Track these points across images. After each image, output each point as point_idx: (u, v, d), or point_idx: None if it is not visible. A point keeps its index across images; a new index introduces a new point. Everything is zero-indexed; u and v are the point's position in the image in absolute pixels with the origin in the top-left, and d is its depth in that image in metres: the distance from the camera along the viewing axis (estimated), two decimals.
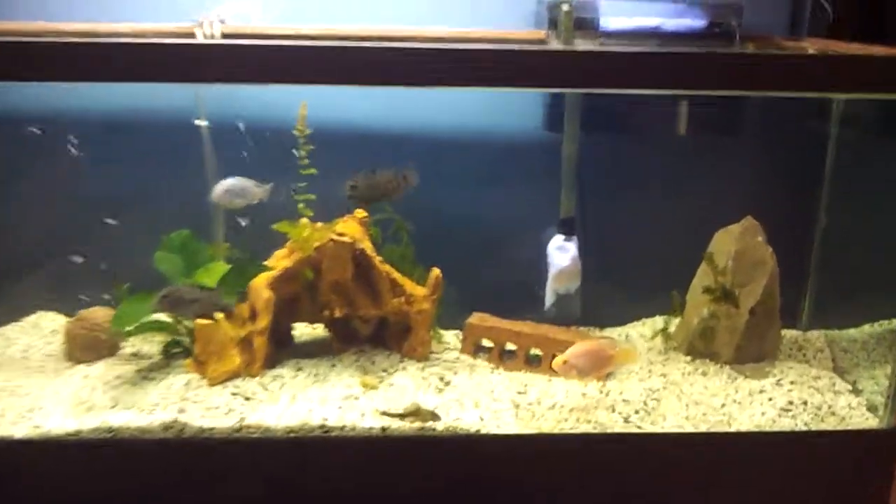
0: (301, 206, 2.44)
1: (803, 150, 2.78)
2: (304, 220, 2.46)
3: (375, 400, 2.32)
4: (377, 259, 2.48)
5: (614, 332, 2.85)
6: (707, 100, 2.67)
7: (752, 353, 2.57)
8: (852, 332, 2.84)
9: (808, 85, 1.97)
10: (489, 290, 2.76)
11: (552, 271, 2.55)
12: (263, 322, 2.42)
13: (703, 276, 2.64)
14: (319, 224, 2.48)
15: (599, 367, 2.30)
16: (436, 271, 2.53)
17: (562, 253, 2.55)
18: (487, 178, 2.77)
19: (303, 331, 2.74)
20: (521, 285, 2.75)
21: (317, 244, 2.43)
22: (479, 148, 2.73)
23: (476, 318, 2.65)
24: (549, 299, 2.73)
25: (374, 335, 2.60)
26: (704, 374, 2.53)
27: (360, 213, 2.52)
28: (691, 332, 2.61)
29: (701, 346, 2.59)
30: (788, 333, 2.80)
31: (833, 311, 2.84)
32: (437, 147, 2.70)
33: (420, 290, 2.53)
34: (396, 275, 2.51)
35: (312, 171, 2.38)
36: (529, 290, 2.75)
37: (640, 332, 2.83)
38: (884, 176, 2.72)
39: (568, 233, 2.58)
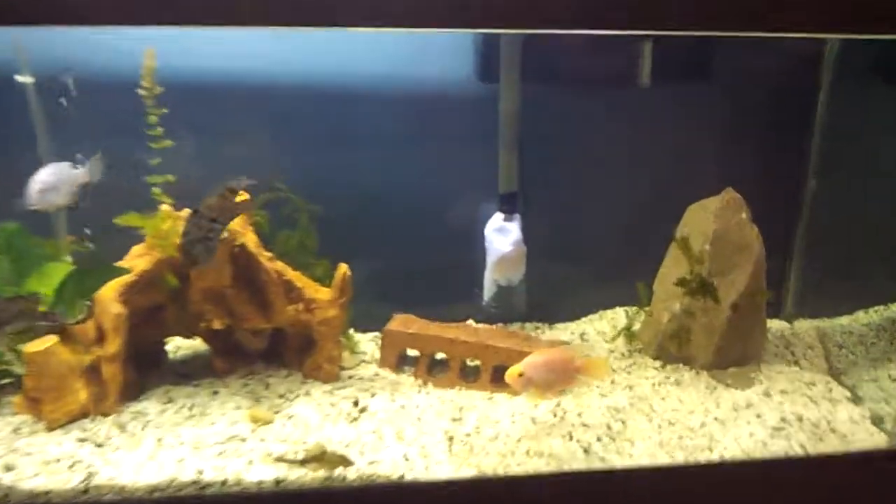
0: (156, 190, 1.83)
1: (789, 102, 2.29)
2: (164, 209, 1.86)
3: (269, 439, 1.79)
4: (265, 256, 1.92)
5: (567, 330, 2.37)
6: (674, 41, 2.15)
7: (733, 355, 2.12)
8: (845, 320, 2.43)
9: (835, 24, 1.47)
10: (413, 284, 2.25)
11: (491, 258, 2.14)
12: (114, 345, 1.84)
13: (673, 263, 2.17)
14: (185, 212, 1.88)
15: (562, 381, 1.80)
16: (343, 268, 1.98)
17: (502, 235, 2.13)
18: (407, 142, 2.21)
19: (181, 343, 2.16)
20: (452, 277, 2.25)
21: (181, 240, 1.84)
22: (396, 102, 2.16)
23: (397, 322, 2.12)
24: (487, 293, 2.24)
25: (269, 350, 2.04)
26: (678, 383, 2.08)
27: (241, 194, 1.93)
28: (661, 331, 2.14)
29: (673, 349, 2.13)
30: (773, 325, 2.36)
31: (822, 295, 2.42)
32: (346, 102, 2.13)
33: (324, 293, 1.98)
34: (292, 274, 1.95)
35: (167, 143, 1.78)
36: (463, 283, 2.24)
37: (598, 329, 2.36)
38: (884, 131, 2.27)
39: (509, 210, 2.14)
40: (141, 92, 1.76)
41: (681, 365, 2.14)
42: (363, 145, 2.16)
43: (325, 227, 2.09)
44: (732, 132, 2.33)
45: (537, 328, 2.38)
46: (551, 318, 2.38)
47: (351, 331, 2.24)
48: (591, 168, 2.28)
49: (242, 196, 1.84)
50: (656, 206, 2.26)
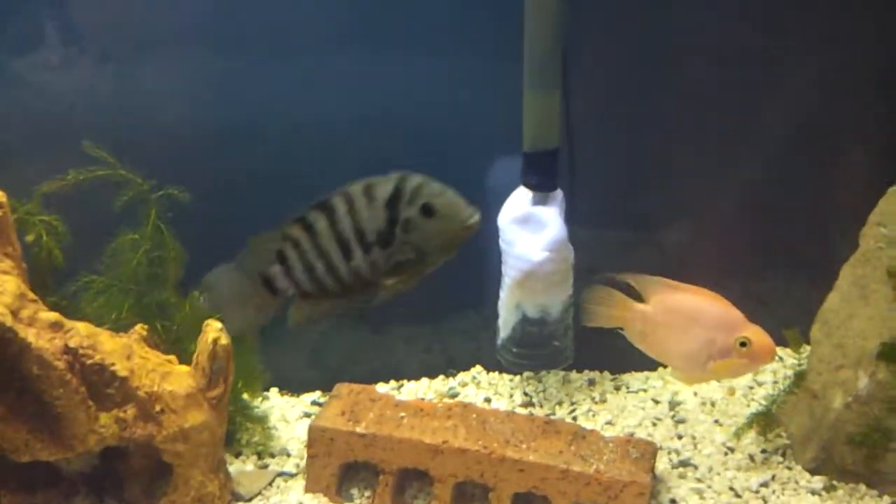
0: None
1: None
2: None
3: None
4: (43, 322, 0.96)
5: (643, 390, 1.38)
6: None
7: None
8: None
9: None
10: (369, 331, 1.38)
11: (512, 272, 1.34)
12: None
13: (853, 297, 1.16)
14: None
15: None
16: (212, 330, 1.02)
17: (531, 231, 1.33)
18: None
19: None
20: (437, 307, 1.40)
21: None
22: None
23: (338, 407, 1.18)
24: (505, 328, 1.34)
25: (102, 472, 1.13)
26: None
27: None
28: (829, 423, 1.16)
29: (850, 460, 1.15)
30: None
31: None
32: None
33: (178, 381, 1.03)
34: (108, 349, 1.00)
35: None
36: (462, 313, 1.42)
37: (704, 398, 1.37)
38: None
39: (543, 185, 1.33)
40: None
41: (863, 487, 1.17)
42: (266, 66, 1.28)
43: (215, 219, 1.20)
44: None
45: (591, 385, 1.40)
46: (615, 363, 1.41)
47: (268, 399, 1.32)
48: (689, 109, 1.34)
49: None
50: (818, 180, 1.37)
